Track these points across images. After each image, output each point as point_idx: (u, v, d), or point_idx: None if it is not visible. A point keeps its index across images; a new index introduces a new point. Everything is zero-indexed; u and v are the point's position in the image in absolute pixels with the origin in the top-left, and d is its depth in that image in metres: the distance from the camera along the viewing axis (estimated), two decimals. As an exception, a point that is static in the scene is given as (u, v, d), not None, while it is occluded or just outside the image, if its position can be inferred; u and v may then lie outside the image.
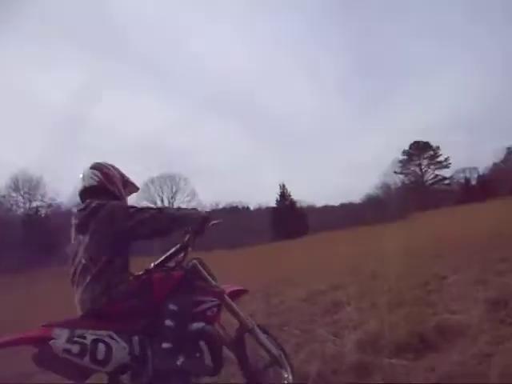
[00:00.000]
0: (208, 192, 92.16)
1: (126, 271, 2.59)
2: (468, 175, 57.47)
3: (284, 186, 56.03)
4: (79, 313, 2.44)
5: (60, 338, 2.16)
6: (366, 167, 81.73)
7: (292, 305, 5.84)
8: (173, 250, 2.77)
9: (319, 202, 66.81)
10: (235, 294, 3.07)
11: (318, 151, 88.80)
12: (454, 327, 3.56)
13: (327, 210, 64.28)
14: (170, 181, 57.49)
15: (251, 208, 65.66)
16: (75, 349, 2.17)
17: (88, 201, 2.64)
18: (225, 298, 2.82)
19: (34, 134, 73.81)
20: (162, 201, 57.29)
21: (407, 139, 63.06)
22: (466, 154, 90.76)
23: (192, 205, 56.23)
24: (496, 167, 53.53)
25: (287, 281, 8.02)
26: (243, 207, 64.93)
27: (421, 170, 59.47)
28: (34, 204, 47.93)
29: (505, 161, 52.41)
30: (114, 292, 2.41)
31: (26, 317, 6.56)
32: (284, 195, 56.05)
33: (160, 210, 2.70)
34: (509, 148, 51.38)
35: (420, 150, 59.43)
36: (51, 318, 2.33)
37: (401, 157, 59.50)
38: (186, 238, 2.69)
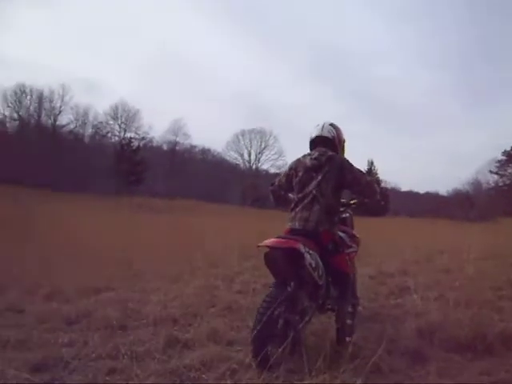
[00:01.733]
0: (296, 154, 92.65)
1: (339, 207, 3.60)
2: None
3: (372, 162, 54.65)
4: (297, 227, 3.33)
5: (307, 254, 3.01)
6: (459, 160, 77.91)
7: (359, 280, 5.92)
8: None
9: (405, 186, 65.11)
10: None
11: (413, 133, 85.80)
12: (518, 337, 3.53)
13: (411, 195, 62.48)
14: (260, 136, 58.03)
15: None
16: (313, 264, 3.06)
17: (323, 149, 3.53)
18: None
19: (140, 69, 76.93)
20: (250, 154, 58.22)
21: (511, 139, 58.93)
22: None
23: (278, 164, 56.93)
24: None
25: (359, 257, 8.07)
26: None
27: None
28: (129, 135, 50.85)
29: None
30: (332, 220, 3.39)
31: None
32: (371, 171, 54.76)
33: (367, 176, 3.62)
34: None
35: (522, 154, 55.30)
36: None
37: (500, 157, 55.74)
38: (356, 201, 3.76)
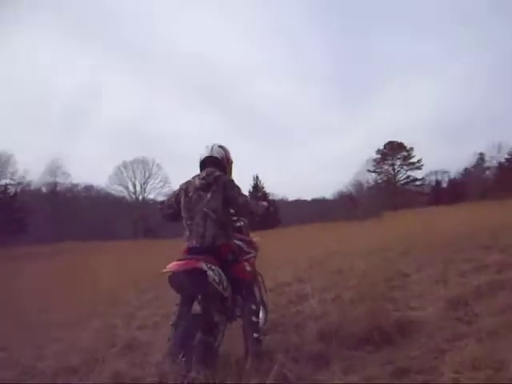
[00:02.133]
0: (181, 179, 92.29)
1: (230, 220, 3.85)
2: (439, 178, 58.83)
3: (257, 177, 56.10)
4: (195, 244, 3.45)
5: (210, 271, 3.16)
6: (341, 164, 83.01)
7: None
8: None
9: (292, 196, 67.59)
10: None
11: (294, 144, 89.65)
12: (413, 323, 3.70)
13: (299, 203, 64.96)
14: (143, 166, 56.96)
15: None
16: (217, 278, 3.23)
17: (211, 169, 3.70)
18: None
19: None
20: (134, 186, 56.84)
21: (383, 138, 64.24)
22: (439, 157, 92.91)
23: (164, 191, 56.24)
24: (467, 172, 54.90)
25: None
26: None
27: (394, 169, 60.47)
28: (4, 181, 47.18)
29: (476, 166, 53.73)
30: (227, 233, 3.60)
31: None
32: (257, 186, 56.14)
33: (247, 198, 3.73)
34: (481, 154, 52.69)
35: (394, 150, 60.35)
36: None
37: (375, 155, 60.38)
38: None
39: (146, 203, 56.54)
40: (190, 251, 3.45)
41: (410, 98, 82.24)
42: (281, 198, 62.03)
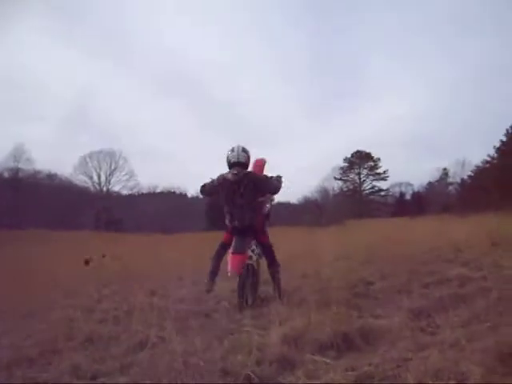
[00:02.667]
0: (147, 173, 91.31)
1: (259, 206, 5.69)
2: (404, 190, 60.16)
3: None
4: (237, 225, 5.43)
5: (252, 260, 5.54)
6: (308, 170, 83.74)
7: (222, 294, 5.88)
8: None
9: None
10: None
11: (263, 146, 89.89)
12: (376, 331, 3.74)
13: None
14: (110, 157, 56.21)
15: (188, 195, 65.40)
16: (255, 258, 5.66)
17: (239, 169, 5.31)
18: None
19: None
20: (99, 177, 55.90)
21: (351, 147, 65.25)
22: (404, 170, 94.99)
23: (130, 185, 55.52)
24: (431, 186, 56.33)
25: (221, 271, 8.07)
26: (181, 193, 64.54)
27: (359, 178, 61.58)
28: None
29: (440, 180, 55.18)
30: (257, 215, 5.55)
31: None
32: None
33: (272, 181, 5.59)
34: (445, 169, 54.16)
35: (361, 160, 61.55)
36: None
37: (342, 164, 61.28)
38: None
39: (110, 195, 55.74)
40: (234, 230, 5.49)
41: (381, 110, 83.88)
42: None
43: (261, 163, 6.18)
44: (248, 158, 5.46)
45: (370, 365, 3.03)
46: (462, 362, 2.72)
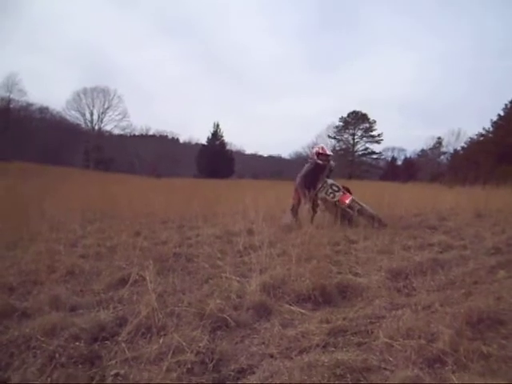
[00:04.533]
0: (140, 114, 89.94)
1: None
2: (396, 155, 60.23)
3: (218, 125, 55.64)
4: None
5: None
6: (302, 125, 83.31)
7: (206, 240, 5.92)
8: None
9: (249, 149, 67.64)
10: None
11: (261, 98, 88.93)
12: (354, 287, 3.84)
13: (255, 158, 65.16)
14: (104, 95, 55.06)
15: (180, 140, 64.92)
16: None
17: (325, 159, 8.12)
18: None
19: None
20: (92, 114, 54.94)
21: (349, 107, 64.74)
22: (399, 135, 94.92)
23: (122, 125, 54.85)
24: (423, 153, 56.44)
25: (205, 218, 8.10)
26: (173, 138, 64.02)
27: (353, 139, 61.30)
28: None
29: (433, 149, 55.27)
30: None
31: None
32: (216, 134, 55.70)
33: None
34: (439, 138, 54.16)
35: (357, 120, 61.07)
36: None
37: (337, 122, 60.86)
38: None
39: (102, 134, 54.99)
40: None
41: (384, 74, 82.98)
42: (238, 149, 61.94)
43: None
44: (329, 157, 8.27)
45: (344, 319, 3.11)
46: (433, 324, 2.82)
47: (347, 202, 7.67)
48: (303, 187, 7.90)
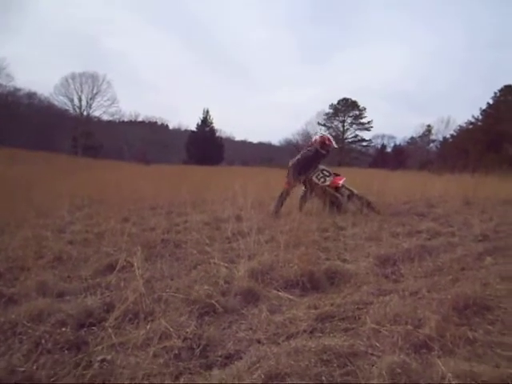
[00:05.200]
0: (130, 101, 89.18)
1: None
2: (386, 142, 60.40)
3: (208, 111, 55.39)
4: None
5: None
6: (292, 112, 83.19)
7: (194, 226, 5.90)
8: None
9: (239, 136, 67.52)
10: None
11: (252, 85, 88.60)
12: (342, 274, 3.84)
13: (245, 144, 65.04)
14: (93, 81, 54.42)
15: (170, 127, 64.53)
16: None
17: (327, 150, 8.15)
18: None
19: None
20: (80, 100, 54.27)
21: (339, 95, 64.73)
22: (389, 123, 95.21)
23: (111, 111, 54.36)
24: (413, 141, 56.66)
25: (193, 205, 8.08)
26: (162, 124, 63.62)
27: (343, 126, 61.35)
28: None
29: (422, 136, 55.51)
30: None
31: None
32: (206, 121, 55.45)
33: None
34: (428, 126, 54.39)
35: (347, 108, 61.08)
36: None
37: (327, 110, 60.83)
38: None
39: (90, 120, 54.42)
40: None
41: (375, 63, 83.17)
42: (228, 136, 61.79)
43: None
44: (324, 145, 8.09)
45: (332, 305, 3.12)
46: (420, 310, 2.83)
47: (341, 182, 7.70)
48: (295, 172, 7.79)
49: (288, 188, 7.85)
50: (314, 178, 7.76)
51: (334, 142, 8.37)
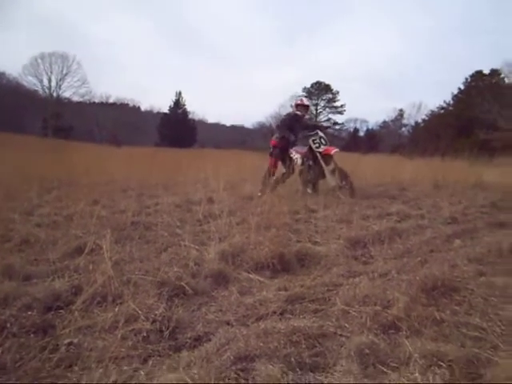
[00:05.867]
0: (101, 82, 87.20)
1: None
2: (358, 126, 60.83)
3: (180, 93, 54.80)
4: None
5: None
6: (265, 95, 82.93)
7: (165, 209, 5.84)
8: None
9: (211, 118, 67.07)
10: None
11: (226, 67, 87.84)
12: (312, 256, 3.87)
13: (218, 127, 64.68)
14: (62, 61, 52.79)
15: (142, 108, 63.54)
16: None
17: (304, 110, 8.69)
18: None
19: None
20: (50, 80, 52.71)
21: (313, 77, 64.78)
22: (362, 107, 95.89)
23: (81, 92, 53.14)
24: (385, 125, 57.26)
25: (165, 187, 8.01)
26: (134, 106, 62.59)
27: (316, 110, 61.42)
28: None
29: (394, 121, 56.12)
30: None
31: None
32: (178, 103, 54.83)
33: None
34: (400, 110, 55.00)
35: (320, 91, 61.11)
36: None
37: (300, 93, 60.76)
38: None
39: (60, 101, 53.05)
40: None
41: (348, 46, 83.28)
42: (200, 118, 61.32)
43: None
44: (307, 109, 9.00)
45: (302, 286, 3.14)
46: (389, 291, 2.87)
47: (333, 152, 7.90)
48: (283, 131, 8.21)
49: (271, 168, 8.17)
50: (310, 141, 8.03)
51: (305, 100, 9.14)
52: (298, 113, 8.43)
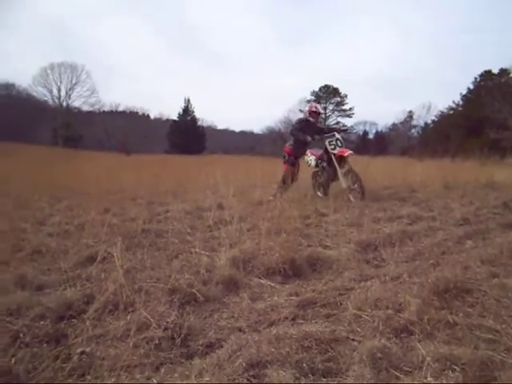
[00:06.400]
0: (110, 90, 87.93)
1: None
2: (368, 129, 60.61)
3: (189, 100, 55.00)
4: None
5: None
6: (274, 100, 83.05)
7: (176, 216, 5.85)
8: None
9: (221, 124, 67.31)
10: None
11: (234, 74, 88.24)
12: (323, 260, 3.86)
13: (227, 134, 64.82)
14: (72, 71, 53.38)
15: (151, 116, 63.91)
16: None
17: (314, 119, 8.54)
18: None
19: None
20: (59, 90, 53.27)
21: (322, 82, 64.79)
22: (371, 109, 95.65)
23: (90, 101, 53.65)
24: (394, 127, 56.99)
25: (175, 194, 8.03)
26: (143, 114, 62.96)
27: (325, 113, 61.29)
28: None
29: (404, 122, 55.84)
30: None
31: None
32: (187, 110, 55.05)
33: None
34: (410, 111, 54.71)
35: (328, 94, 61.00)
36: None
37: (309, 97, 60.71)
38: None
39: (70, 111, 53.55)
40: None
41: (357, 50, 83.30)
42: (209, 124, 61.50)
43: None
44: (318, 114, 8.79)
45: (313, 291, 3.14)
46: (401, 294, 2.86)
47: (347, 154, 7.81)
48: (298, 134, 8.25)
49: (287, 171, 8.29)
50: (326, 143, 8.02)
51: (319, 108, 9.03)
52: (311, 119, 8.44)
